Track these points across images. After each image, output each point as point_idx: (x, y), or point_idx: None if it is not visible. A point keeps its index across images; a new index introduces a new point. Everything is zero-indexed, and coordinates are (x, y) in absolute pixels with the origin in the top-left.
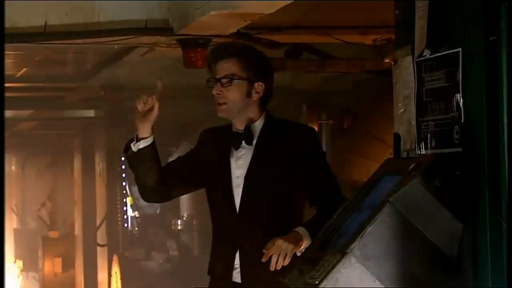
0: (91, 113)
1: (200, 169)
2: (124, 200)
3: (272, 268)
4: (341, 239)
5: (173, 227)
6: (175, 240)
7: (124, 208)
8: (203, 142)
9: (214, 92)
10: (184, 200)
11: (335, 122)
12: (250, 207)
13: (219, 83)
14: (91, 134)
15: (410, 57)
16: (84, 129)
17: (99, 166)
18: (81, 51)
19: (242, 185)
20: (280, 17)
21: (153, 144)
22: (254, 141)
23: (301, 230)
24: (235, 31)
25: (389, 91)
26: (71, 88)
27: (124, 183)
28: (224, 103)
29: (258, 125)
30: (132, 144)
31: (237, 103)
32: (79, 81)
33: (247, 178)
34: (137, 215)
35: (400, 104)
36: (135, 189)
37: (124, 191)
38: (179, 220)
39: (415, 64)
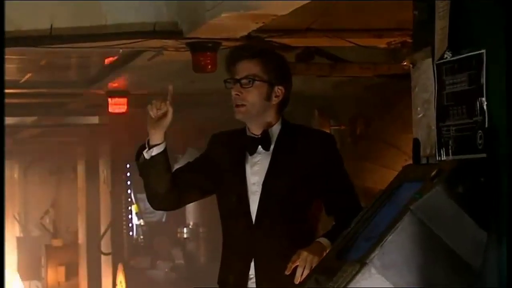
0: (95, 119)
1: (212, 175)
2: (129, 208)
3: (297, 281)
4: (359, 249)
5: (179, 235)
6: (181, 248)
7: (129, 216)
8: (214, 147)
9: (233, 93)
10: (190, 208)
11: (347, 128)
12: (267, 215)
13: (238, 84)
14: (95, 141)
15: (429, 60)
16: (88, 136)
17: (103, 173)
18: (87, 56)
19: (258, 192)
20: (292, 20)
21: (165, 151)
22: (272, 147)
23: (324, 241)
24: (246, 34)
25: (402, 95)
26: (76, 94)
27: (129, 191)
28: (243, 105)
29: (275, 130)
30: (144, 152)
31: (256, 106)
32: (84, 87)
33: (265, 185)
34: (142, 223)
35: (419, 109)
36: (140, 196)
37: (129, 199)
38: (185, 228)
39: (435, 66)
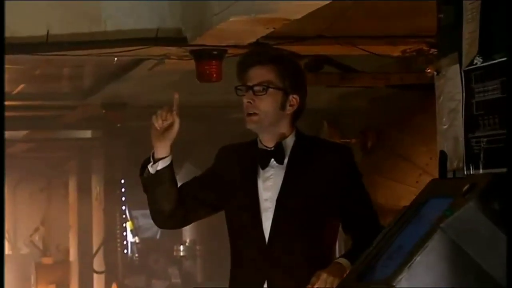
0: (87, 133)
1: (221, 191)
2: (124, 224)
3: None
4: (383, 270)
5: (175, 253)
6: (177, 267)
7: (124, 233)
8: (222, 161)
9: (245, 101)
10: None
11: (358, 141)
12: (282, 233)
13: (251, 91)
14: (87, 156)
15: (456, 66)
16: (80, 151)
17: (96, 189)
18: (83, 65)
19: (271, 209)
20: (302, 26)
21: (171, 165)
22: (286, 160)
23: (343, 261)
24: (254, 40)
25: (414, 107)
26: (70, 107)
27: (123, 207)
28: (255, 114)
29: (289, 142)
30: (149, 166)
31: (269, 115)
32: (79, 99)
33: (280, 201)
34: (137, 241)
35: (444, 119)
36: (136, 213)
37: (124, 216)
38: (181, 246)
39: (462, 73)
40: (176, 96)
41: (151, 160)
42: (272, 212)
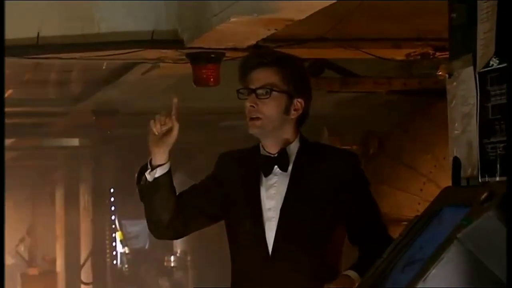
0: (75, 142)
1: (221, 199)
2: (113, 235)
3: None
4: (396, 282)
5: (165, 263)
6: (168, 277)
7: (113, 244)
8: (223, 168)
9: (247, 105)
10: None
11: (359, 148)
12: (286, 244)
13: (253, 94)
14: (75, 165)
15: (470, 68)
16: (68, 159)
17: (84, 198)
18: (74, 69)
19: (275, 219)
20: (304, 28)
21: (169, 172)
22: (290, 167)
23: (352, 274)
24: (254, 43)
25: (418, 112)
26: (60, 113)
27: (113, 217)
28: (258, 118)
29: (294, 148)
30: (147, 173)
31: (273, 120)
32: (69, 105)
33: (284, 210)
34: (127, 251)
35: (457, 124)
36: (125, 223)
37: (113, 225)
38: (172, 257)
39: (477, 76)
40: (175, 100)
41: (149, 167)
42: (275, 222)
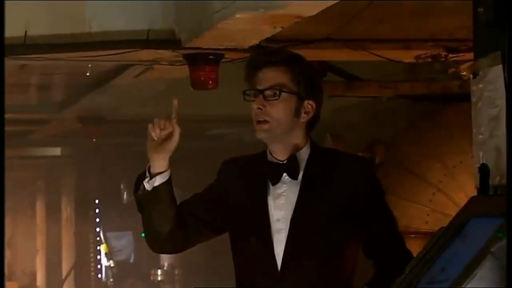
0: (56, 151)
1: (225, 210)
2: (98, 247)
3: None
4: None
5: (152, 277)
6: None
7: (98, 257)
8: (226, 176)
9: (254, 107)
10: None
11: (365, 156)
12: (296, 259)
13: (261, 96)
14: (57, 175)
15: (498, 67)
16: (49, 169)
17: (67, 210)
18: (60, 73)
19: (284, 231)
20: (310, 28)
21: (170, 180)
22: (300, 175)
23: None
24: (257, 43)
25: (427, 118)
26: (43, 120)
27: (98, 229)
28: (266, 122)
29: (304, 154)
30: (145, 182)
31: (282, 123)
32: (53, 112)
33: (294, 221)
34: (112, 265)
35: (483, 128)
36: (111, 235)
37: (98, 238)
38: (159, 270)
39: (506, 75)
40: (176, 102)
41: (147, 175)
42: (285, 235)
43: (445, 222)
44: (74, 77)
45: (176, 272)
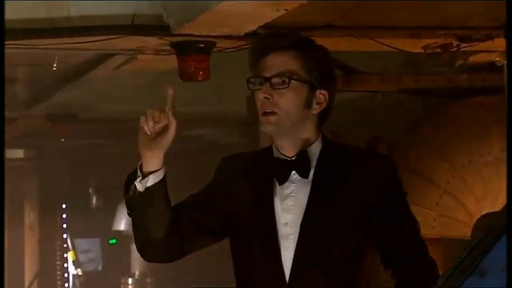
0: (19, 153)
1: (226, 213)
2: (65, 255)
3: None
4: None
5: (123, 286)
6: None
7: (65, 265)
8: (226, 175)
9: (260, 96)
10: (135, 254)
11: None
12: (307, 268)
13: (268, 84)
14: (18, 179)
15: None
16: (10, 173)
17: (30, 217)
18: (34, 64)
19: (293, 236)
20: (310, 14)
21: (164, 180)
22: (311, 173)
23: None
24: (254, 29)
25: (433, 114)
26: (8, 120)
27: (65, 235)
28: (273, 113)
29: (315, 150)
30: (137, 181)
31: (292, 115)
32: (19, 109)
33: (305, 226)
34: (80, 273)
35: None
36: (79, 241)
37: (65, 245)
38: (130, 279)
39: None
40: (171, 91)
41: (139, 174)
42: (294, 240)
43: (454, 227)
44: (46, 70)
45: (148, 280)
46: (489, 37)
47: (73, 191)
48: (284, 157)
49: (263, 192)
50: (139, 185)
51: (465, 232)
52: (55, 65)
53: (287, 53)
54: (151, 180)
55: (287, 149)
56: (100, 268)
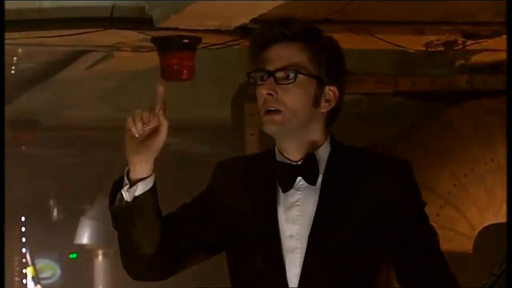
0: None
1: (223, 224)
2: (24, 270)
3: None
4: None
5: None
6: None
7: (24, 281)
8: (223, 181)
9: (264, 92)
10: (98, 269)
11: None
12: (315, 285)
13: (272, 78)
14: None
15: None
16: None
17: None
18: None
19: (299, 250)
20: (305, 8)
21: (154, 188)
22: (319, 179)
23: None
24: (246, 22)
25: (433, 119)
26: None
27: (23, 250)
28: (278, 112)
29: (323, 153)
30: (124, 190)
31: (298, 113)
32: None
33: (313, 239)
34: None
35: None
36: (38, 256)
37: (24, 260)
38: None
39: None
40: (161, 88)
41: (126, 182)
42: (300, 255)
43: (454, 240)
44: (8, 69)
45: None
46: (497, 33)
47: (33, 203)
48: (289, 162)
49: (265, 201)
50: (126, 194)
51: (466, 245)
52: (13, 67)
53: (294, 44)
54: (139, 189)
55: (292, 153)
56: (59, 284)
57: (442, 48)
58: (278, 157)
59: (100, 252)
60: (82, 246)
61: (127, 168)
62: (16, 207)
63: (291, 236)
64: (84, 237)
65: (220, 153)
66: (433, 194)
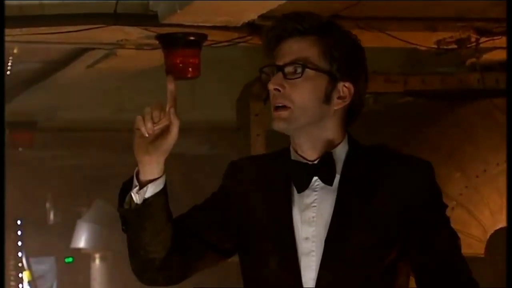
0: None
1: (236, 226)
2: (20, 275)
3: None
4: None
5: None
6: None
7: (20, 286)
8: (235, 181)
9: (271, 87)
10: (95, 273)
11: None
12: None
13: (280, 73)
14: None
15: None
16: None
17: None
18: None
19: (315, 254)
20: (314, 4)
21: (165, 190)
22: (336, 180)
23: None
24: (255, 18)
25: (443, 119)
26: None
27: (19, 254)
28: (285, 107)
29: (340, 153)
30: (133, 192)
31: (307, 109)
32: None
33: (329, 242)
34: None
35: None
36: (35, 260)
37: (20, 264)
38: None
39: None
40: (171, 86)
41: (136, 183)
42: (316, 258)
43: (467, 243)
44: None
45: None
46: None
47: (29, 206)
48: (305, 161)
49: (280, 201)
50: (136, 196)
51: (478, 248)
52: (8, 71)
53: (306, 38)
54: (150, 190)
55: (308, 151)
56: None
57: (454, 46)
58: (293, 156)
59: (97, 255)
60: (79, 250)
61: (136, 168)
62: (11, 211)
63: (306, 238)
64: (82, 241)
65: (220, 154)
66: (444, 196)
